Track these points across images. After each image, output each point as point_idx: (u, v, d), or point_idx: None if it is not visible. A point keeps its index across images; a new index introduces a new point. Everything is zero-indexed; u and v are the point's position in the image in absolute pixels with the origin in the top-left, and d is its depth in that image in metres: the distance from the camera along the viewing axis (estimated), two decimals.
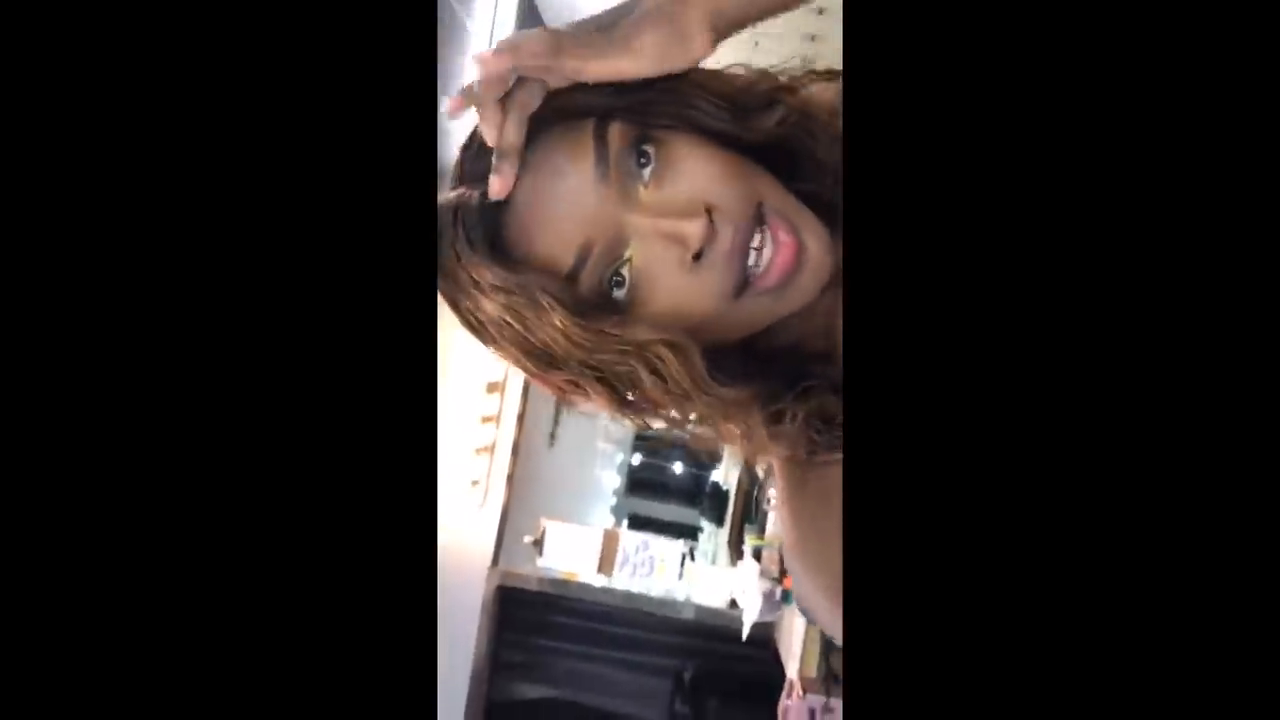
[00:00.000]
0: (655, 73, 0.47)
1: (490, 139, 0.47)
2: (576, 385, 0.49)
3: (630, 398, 0.50)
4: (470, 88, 0.48)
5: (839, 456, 0.50)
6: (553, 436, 3.11)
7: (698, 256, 0.46)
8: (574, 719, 2.73)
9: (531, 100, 0.48)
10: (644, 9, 0.47)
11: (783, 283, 0.47)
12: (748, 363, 0.51)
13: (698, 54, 0.48)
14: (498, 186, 0.47)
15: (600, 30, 0.47)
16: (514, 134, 0.47)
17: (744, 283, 0.47)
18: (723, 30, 0.48)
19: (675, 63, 0.47)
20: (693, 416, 0.51)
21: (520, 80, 0.48)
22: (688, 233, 0.45)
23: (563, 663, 2.76)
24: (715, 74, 0.50)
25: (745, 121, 0.50)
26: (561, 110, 0.48)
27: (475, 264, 0.46)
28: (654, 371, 0.47)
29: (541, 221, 0.47)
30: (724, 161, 0.48)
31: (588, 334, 0.46)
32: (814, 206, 0.49)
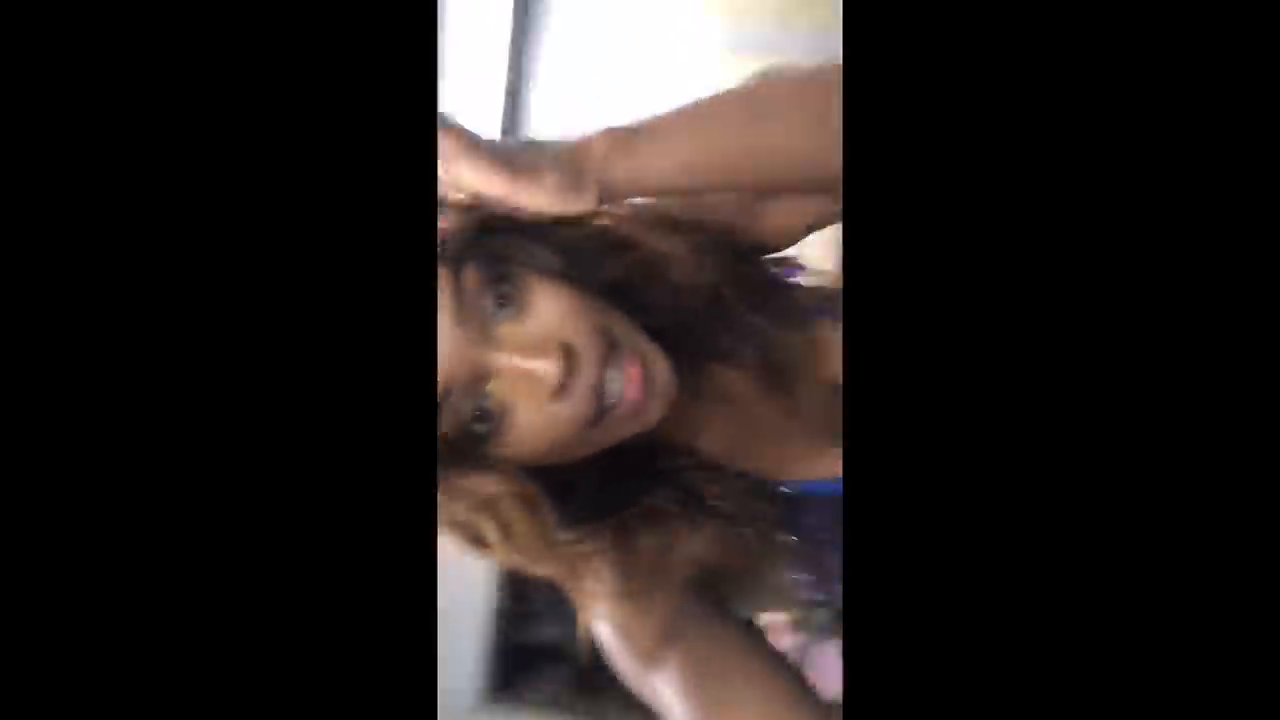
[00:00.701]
0: (544, 209, 0.50)
1: None
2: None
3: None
4: None
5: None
6: None
7: (557, 394, 0.48)
8: None
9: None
10: (549, 152, 0.50)
11: (635, 411, 0.50)
12: (600, 479, 0.54)
13: (586, 206, 0.51)
14: None
15: (503, 155, 0.49)
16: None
17: (600, 414, 0.49)
18: (608, 196, 0.51)
19: (566, 207, 0.50)
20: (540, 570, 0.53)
21: None
22: (547, 371, 0.48)
23: None
24: (557, 223, 0.52)
25: (588, 269, 0.53)
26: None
27: None
28: (503, 527, 0.50)
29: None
30: (575, 299, 0.50)
31: (446, 483, 0.48)
32: (654, 336, 0.52)
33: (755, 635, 0.58)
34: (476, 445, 0.49)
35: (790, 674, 0.55)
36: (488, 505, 0.49)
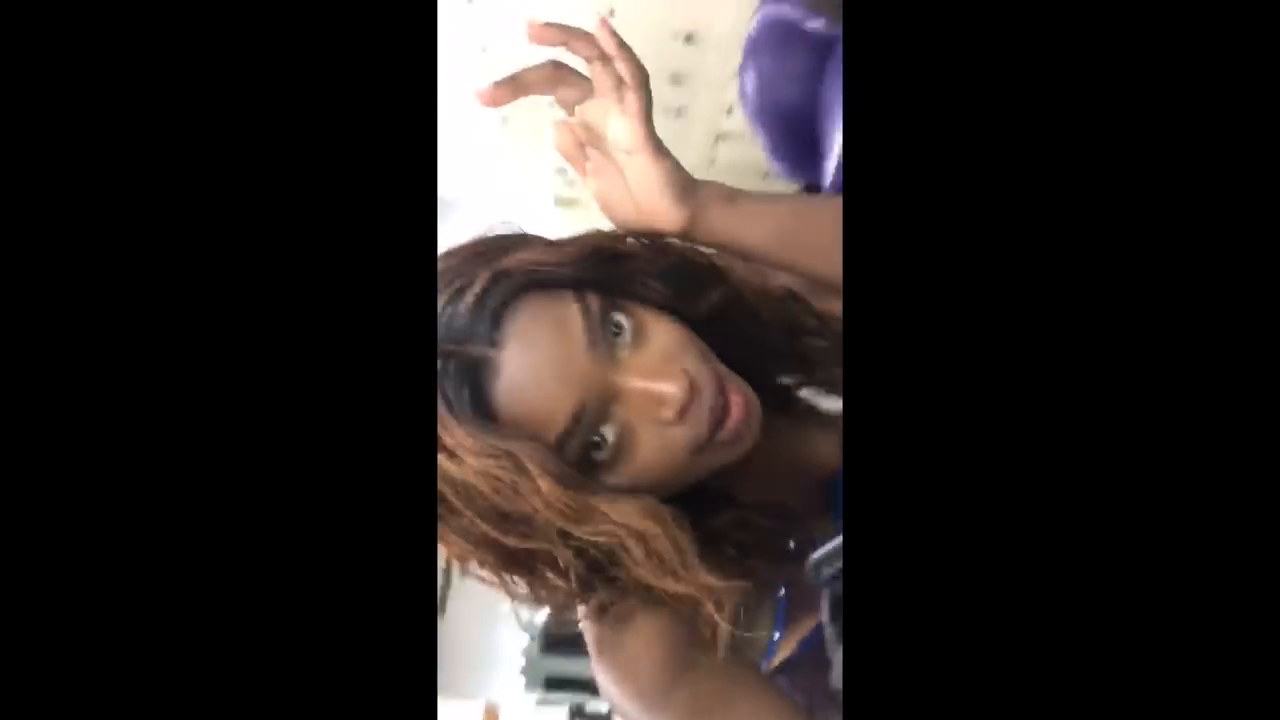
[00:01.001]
0: (646, 199, 0.55)
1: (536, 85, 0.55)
2: (527, 559, 0.51)
3: (602, 575, 0.52)
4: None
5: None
6: (443, 604, 2.98)
7: (680, 415, 0.50)
8: None
9: (572, 96, 0.56)
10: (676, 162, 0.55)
11: (738, 436, 0.52)
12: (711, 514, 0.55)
13: (676, 222, 0.56)
14: (490, 96, 0.54)
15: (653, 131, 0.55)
16: (540, 80, 0.54)
17: (712, 437, 0.52)
18: (699, 229, 0.56)
19: (664, 208, 0.55)
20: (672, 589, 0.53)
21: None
22: (673, 394, 0.50)
23: None
24: (660, 253, 0.56)
25: (688, 302, 0.56)
26: (538, 282, 0.52)
27: (454, 429, 0.48)
28: (645, 547, 0.50)
29: (536, 384, 0.49)
30: (684, 330, 0.53)
31: (575, 505, 0.49)
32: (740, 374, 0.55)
33: (755, 668, 0.59)
34: (595, 473, 0.51)
35: (793, 710, 0.56)
36: (628, 526, 0.50)
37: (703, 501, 0.55)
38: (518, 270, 0.51)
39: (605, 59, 0.54)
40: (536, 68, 0.56)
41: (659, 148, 0.55)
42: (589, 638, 0.57)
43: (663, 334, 0.52)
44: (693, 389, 0.50)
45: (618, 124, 0.55)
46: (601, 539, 0.50)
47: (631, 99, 0.54)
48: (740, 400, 0.52)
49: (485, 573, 0.53)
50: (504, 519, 0.50)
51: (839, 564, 0.46)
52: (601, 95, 0.55)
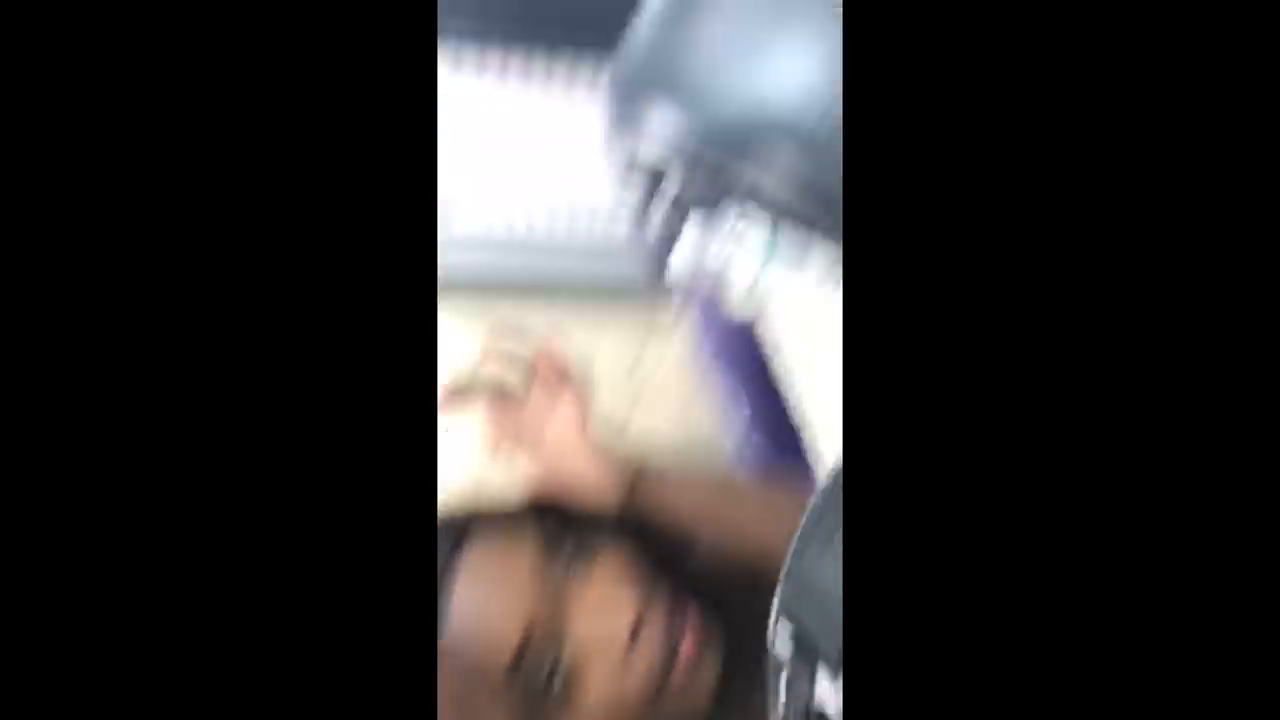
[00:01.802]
0: (588, 484, 0.60)
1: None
2: None
3: None
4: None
5: None
6: None
7: (631, 648, 0.50)
8: None
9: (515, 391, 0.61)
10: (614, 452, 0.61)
11: (690, 672, 0.52)
12: None
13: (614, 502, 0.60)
14: (445, 401, 0.59)
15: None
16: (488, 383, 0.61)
17: (666, 673, 0.51)
18: (633, 503, 0.60)
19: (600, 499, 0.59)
20: None
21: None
22: (619, 629, 0.50)
23: None
24: (617, 505, 0.60)
25: (638, 539, 0.57)
26: (489, 522, 0.54)
27: None
28: None
29: (482, 619, 0.50)
30: (631, 564, 0.54)
31: None
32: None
33: None
34: (548, 704, 0.50)
35: None
36: None
37: None
38: (465, 512, 0.55)
39: (551, 362, 0.60)
40: (485, 375, 0.62)
41: (598, 439, 0.60)
42: None
43: (611, 568, 0.53)
44: (642, 623, 0.50)
45: (558, 418, 0.60)
46: None
47: (572, 395, 0.60)
48: (694, 635, 0.52)
49: None
50: None
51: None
52: (544, 391, 0.61)
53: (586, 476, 0.60)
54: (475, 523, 0.54)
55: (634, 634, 0.50)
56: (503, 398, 0.62)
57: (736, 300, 1.15)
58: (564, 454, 0.60)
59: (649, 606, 0.52)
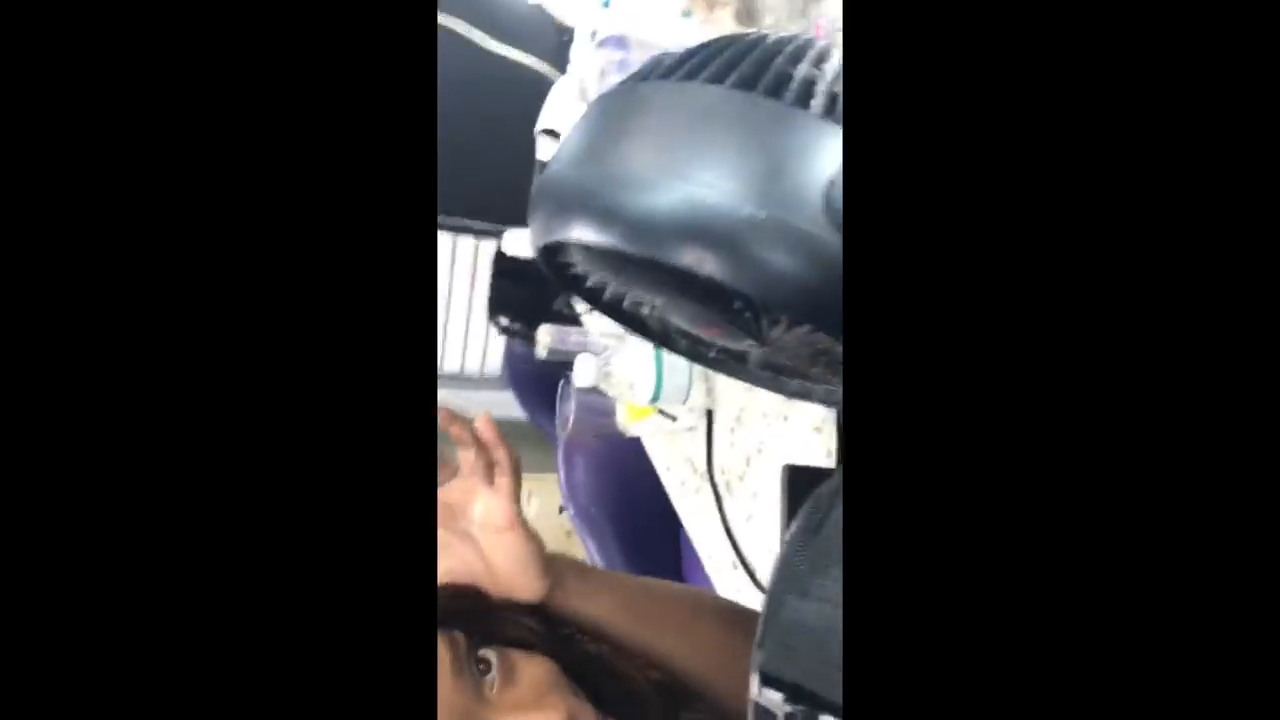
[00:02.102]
0: (509, 592, 0.58)
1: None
2: None
3: None
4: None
5: None
6: None
7: None
8: None
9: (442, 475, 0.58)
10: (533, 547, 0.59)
11: None
12: None
13: (537, 596, 0.58)
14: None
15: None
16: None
17: None
18: (555, 599, 0.59)
19: (524, 593, 0.58)
20: None
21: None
22: None
23: None
24: (542, 596, 0.59)
25: (559, 644, 0.57)
26: None
27: None
28: None
29: None
30: (552, 668, 0.53)
31: None
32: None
33: None
34: None
35: None
36: None
37: None
38: None
39: (480, 445, 0.58)
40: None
41: (527, 526, 0.58)
42: None
43: (533, 670, 0.52)
44: None
45: (490, 503, 0.58)
46: None
47: (505, 481, 0.58)
48: None
49: None
50: None
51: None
52: (470, 476, 0.59)
53: (513, 561, 0.57)
54: None
55: None
56: (440, 468, 0.59)
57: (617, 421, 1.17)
58: (492, 535, 0.58)
59: (577, 710, 0.50)
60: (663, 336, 0.51)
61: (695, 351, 0.53)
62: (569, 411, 1.19)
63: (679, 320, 0.48)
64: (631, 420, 1.15)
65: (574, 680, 0.53)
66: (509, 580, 0.57)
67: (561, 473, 1.33)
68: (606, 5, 1.28)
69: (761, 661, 0.40)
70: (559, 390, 1.21)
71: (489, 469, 0.58)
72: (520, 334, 1.33)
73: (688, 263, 0.39)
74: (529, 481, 0.62)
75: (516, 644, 0.53)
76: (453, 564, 0.58)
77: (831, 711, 0.37)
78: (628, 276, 0.44)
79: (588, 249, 0.43)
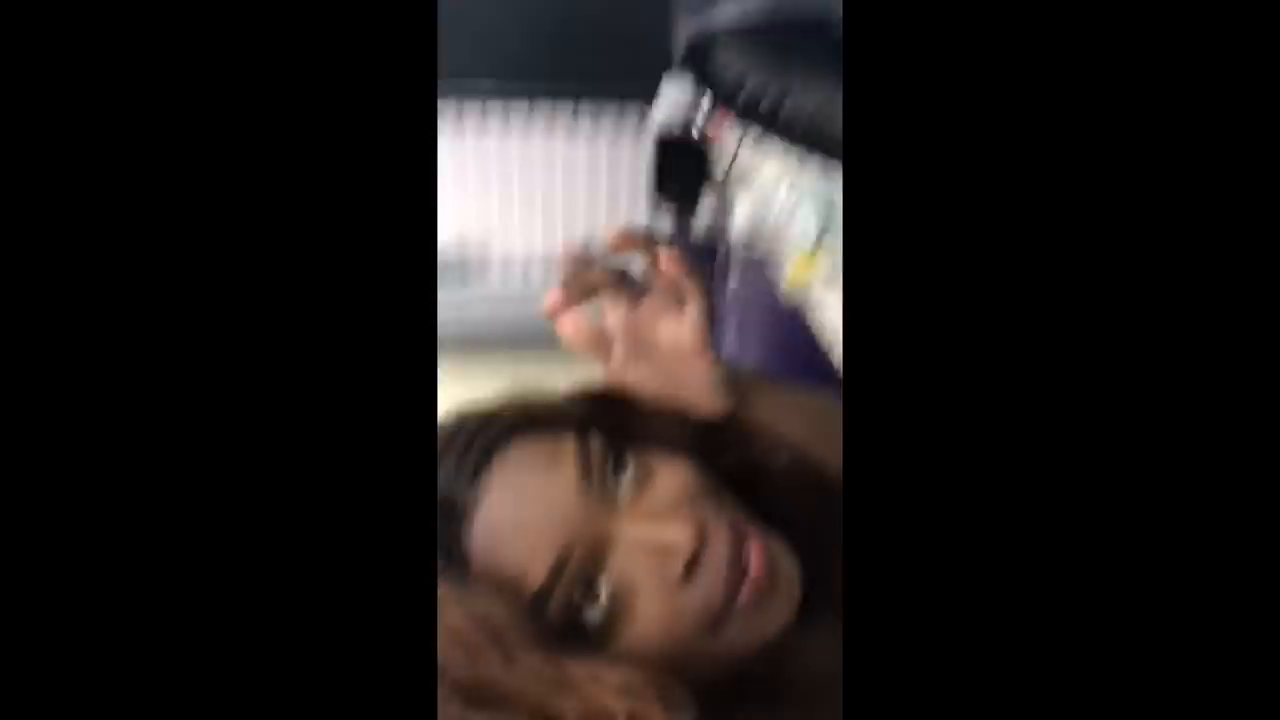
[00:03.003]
0: (696, 399, 0.53)
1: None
2: None
3: None
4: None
5: None
6: None
7: (689, 568, 0.43)
8: None
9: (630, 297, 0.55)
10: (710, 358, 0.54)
11: (760, 599, 0.44)
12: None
13: (721, 411, 0.54)
14: (554, 305, 0.52)
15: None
16: (603, 283, 0.54)
17: (730, 601, 0.43)
18: (738, 410, 0.54)
19: (710, 408, 0.53)
20: None
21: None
22: (678, 540, 0.43)
23: None
24: (684, 407, 0.54)
25: (710, 452, 0.51)
26: (537, 420, 0.48)
27: None
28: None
29: (516, 529, 0.44)
30: (697, 477, 0.47)
31: (555, 676, 0.40)
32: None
33: None
34: (585, 640, 0.43)
35: None
36: (623, 696, 0.40)
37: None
38: (511, 411, 0.48)
39: (670, 269, 0.54)
40: (599, 273, 0.54)
41: (714, 350, 0.55)
42: None
43: (672, 478, 0.46)
44: (703, 538, 0.43)
45: (678, 328, 0.54)
46: (584, 710, 0.39)
47: (694, 309, 0.54)
48: (761, 553, 0.44)
49: None
50: (472, 696, 0.39)
51: None
52: (661, 297, 0.55)
53: (701, 384, 0.54)
54: (521, 422, 0.48)
55: (693, 561, 0.43)
56: (624, 287, 0.55)
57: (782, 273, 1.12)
58: (680, 359, 0.54)
59: (713, 530, 0.44)
60: (805, 135, 0.46)
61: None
62: (731, 282, 1.15)
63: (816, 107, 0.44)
64: (796, 276, 1.08)
65: (730, 491, 0.49)
66: (692, 401, 0.54)
67: (724, 348, 1.30)
68: None
69: None
70: (717, 259, 1.16)
71: (678, 290, 0.54)
72: (682, 206, 1.29)
73: None
74: None
75: (662, 449, 0.48)
76: (639, 374, 0.55)
77: None
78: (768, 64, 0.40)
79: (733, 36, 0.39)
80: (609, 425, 0.48)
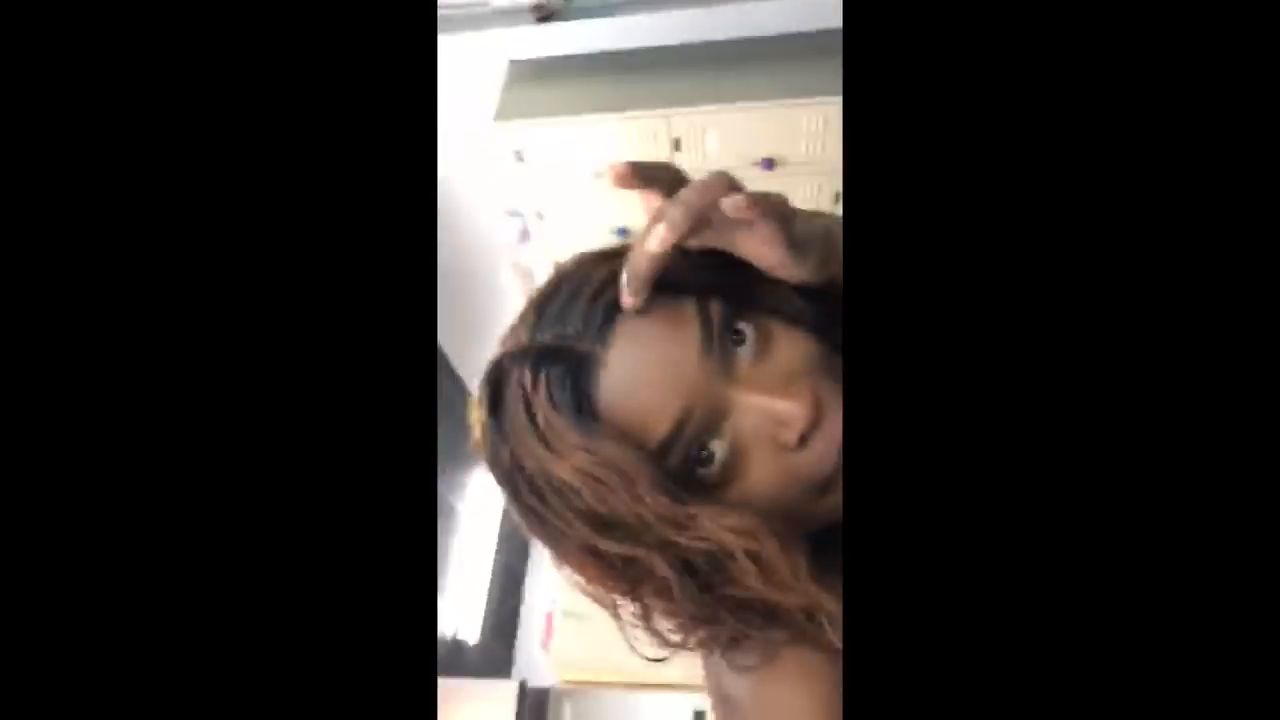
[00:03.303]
0: (799, 281, 0.48)
1: (657, 242, 0.44)
2: (628, 571, 0.46)
3: (697, 589, 0.46)
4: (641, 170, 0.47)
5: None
6: None
7: (803, 439, 0.45)
8: None
9: (685, 227, 0.45)
10: (818, 229, 0.48)
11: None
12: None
13: (826, 280, 0.49)
14: (630, 301, 0.46)
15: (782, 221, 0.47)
16: (661, 252, 0.45)
17: (838, 470, 0.45)
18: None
19: (818, 280, 0.48)
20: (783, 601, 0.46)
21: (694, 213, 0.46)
22: (794, 413, 0.44)
23: None
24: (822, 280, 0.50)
25: (826, 323, 0.49)
26: (661, 284, 0.47)
27: (556, 425, 0.45)
28: (753, 556, 0.45)
29: (641, 386, 0.46)
30: (816, 348, 0.48)
31: (674, 513, 0.44)
32: None
33: None
34: (699, 490, 0.46)
35: None
36: (737, 534, 0.44)
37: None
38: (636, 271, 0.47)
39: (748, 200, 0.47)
40: (681, 202, 0.46)
41: (798, 255, 0.47)
42: (737, 696, 0.47)
43: (790, 347, 0.47)
44: (818, 410, 0.44)
45: (755, 246, 0.47)
46: (705, 545, 0.44)
47: (769, 229, 0.46)
48: None
49: (591, 588, 0.48)
50: (602, 523, 0.45)
51: None
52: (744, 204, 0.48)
53: (785, 247, 0.47)
54: (640, 284, 0.45)
55: (806, 432, 0.44)
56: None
57: None
58: (764, 225, 0.46)
59: (826, 402, 0.45)
60: None
61: None
62: None
63: None
64: None
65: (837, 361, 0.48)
66: (784, 273, 0.48)
67: None
68: None
69: None
70: None
71: (753, 209, 0.46)
72: None
73: None
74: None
75: (782, 318, 0.48)
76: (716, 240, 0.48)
77: None
78: None
79: None
80: (730, 290, 0.48)
